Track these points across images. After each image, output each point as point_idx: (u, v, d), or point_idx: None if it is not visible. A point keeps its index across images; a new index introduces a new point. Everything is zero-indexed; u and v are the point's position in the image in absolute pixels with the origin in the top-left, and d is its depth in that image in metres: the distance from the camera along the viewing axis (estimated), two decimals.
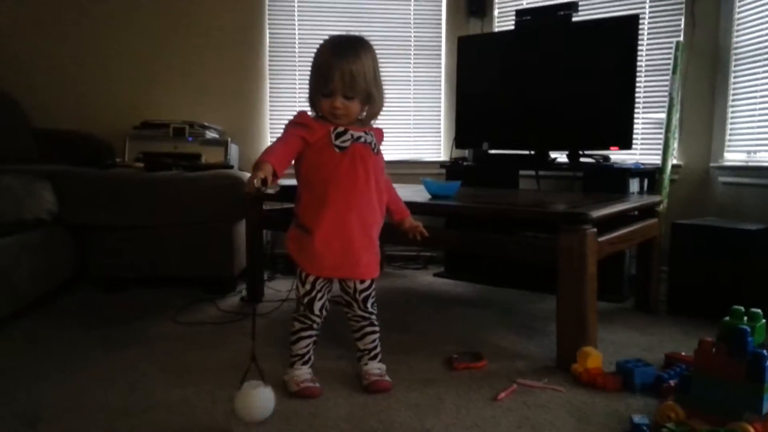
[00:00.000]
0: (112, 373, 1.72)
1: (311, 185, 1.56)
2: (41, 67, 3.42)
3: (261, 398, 1.37)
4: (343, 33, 1.62)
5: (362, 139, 1.58)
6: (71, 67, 3.44)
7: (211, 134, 3.22)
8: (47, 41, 3.42)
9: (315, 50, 1.59)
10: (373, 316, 1.65)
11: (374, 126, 1.67)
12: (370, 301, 1.64)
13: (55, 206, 2.43)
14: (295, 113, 1.59)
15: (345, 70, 1.50)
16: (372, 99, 1.58)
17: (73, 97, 3.44)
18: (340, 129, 1.56)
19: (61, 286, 2.52)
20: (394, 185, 1.80)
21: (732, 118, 2.99)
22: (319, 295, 1.61)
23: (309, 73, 1.60)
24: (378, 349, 1.66)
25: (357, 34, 1.62)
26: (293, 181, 1.70)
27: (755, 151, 2.83)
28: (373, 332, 1.65)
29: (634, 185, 2.72)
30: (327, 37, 1.60)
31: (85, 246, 2.62)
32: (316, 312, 1.62)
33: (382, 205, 1.64)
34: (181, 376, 1.70)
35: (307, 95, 1.62)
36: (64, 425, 1.41)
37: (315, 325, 1.63)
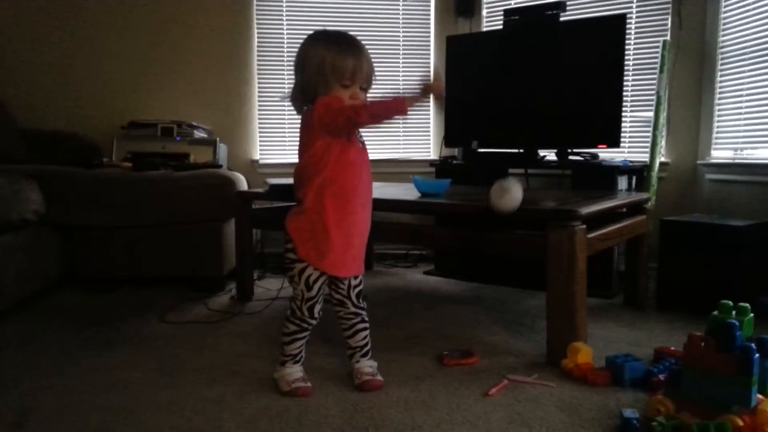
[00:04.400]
0: (100, 374, 1.71)
1: (339, 179, 1.52)
2: (28, 67, 3.38)
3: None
4: (328, 29, 1.59)
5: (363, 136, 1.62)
6: (58, 67, 3.41)
7: (199, 134, 3.20)
8: (34, 41, 3.38)
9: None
10: (364, 312, 1.65)
11: None
12: (361, 296, 1.65)
13: (41, 206, 2.41)
14: (318, 105, 1.51)
15: (371, 63, 1.54)
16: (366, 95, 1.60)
17: (60, 98, 3.41)
18: None
19: (48, 286, 2.50)
20: (384, 184, 1.81)
21: (718, 116, 3.02)
22: (320, 298, 1.61)
23: (305, 68, 1.54)
24: (369, 346, 1.66)
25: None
26: (286, 180, 1.69)
27: (742, 149, 2.86)
28: (365, 329, 1.65)
29: (622, 183, 2.74)
30: (320, 32, 1.58)
31: (72, 246, 2.60)
32: (315, 315, 1.61)
33: None
34: (171, 376, 1.69)
35: (301, 91, 1.56)
36: (51, 425, 1.39)
37: (311, 328, 1.63)
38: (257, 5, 3.52)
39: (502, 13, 3.12)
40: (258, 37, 3.56)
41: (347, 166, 1.53)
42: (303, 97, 1.57)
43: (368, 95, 1.59)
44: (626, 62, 2.86)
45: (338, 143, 1.52)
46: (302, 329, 1.61)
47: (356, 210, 1.55)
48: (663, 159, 3.13)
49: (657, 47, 3.05)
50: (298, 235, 1.56)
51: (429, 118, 3.71)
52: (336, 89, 1.51)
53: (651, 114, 3.00)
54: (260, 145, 3.60)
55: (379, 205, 2.16)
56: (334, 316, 1.68)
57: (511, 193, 1.72)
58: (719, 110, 3.01)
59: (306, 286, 1.57)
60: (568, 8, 2.97)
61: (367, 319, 1.66)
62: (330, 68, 1.50)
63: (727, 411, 1.27)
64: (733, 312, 1.39)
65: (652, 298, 2.48)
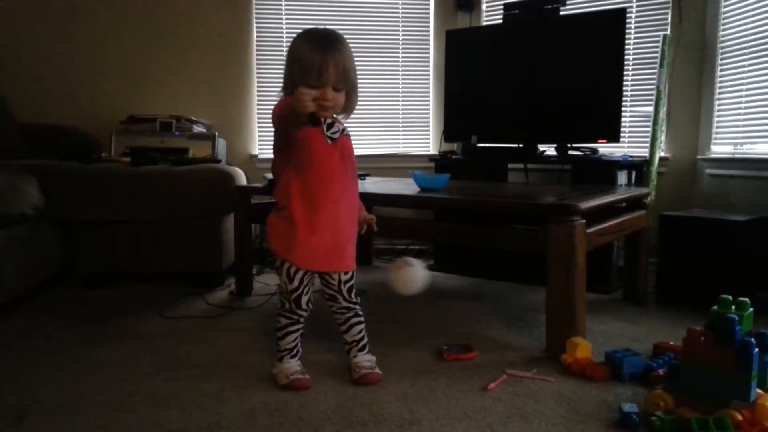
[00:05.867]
0: (100, 369, 1.71)
1: (304, 175, 1.54)
2: (27, 62, 3.37)
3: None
4: (317, 27, 1.59)
5: (346, 132, 1.61)
6: (57, 62, 3.41)
7: (198, 128, 3.19)
8: (34, 36, 3.37)
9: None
10: (357, 306, 1.65)
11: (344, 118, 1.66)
12: (353, 290, 1.64)
13: (40, 201, 2.40)
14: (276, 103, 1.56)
15: (339, 62, 1.50)
16: (354, 91, 1.58)
17: (59, 92, 3.40)
18: (329, 120, 1.56)
19: (47, 281, 2.50)
20: (384, 179, 1.79)
21: (718, 110, 3.01)
22: (306, 289, 1.61)
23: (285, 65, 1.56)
24: (365, 340, 1.66)
25: (331, 28, 1.60)
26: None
27: (741, 144, 2.85)
28: (359, 323, 1.65)
29: (622, 178, 2.73)
30: (305, 30, 1.57)
31: (71, 241, 2.60)
32: (303, 307, 1.62)
33: (357, 196, 1.67)
34: (170, 371, 1.69)
35: (284, 88, 1.57)
36: (51, 421, 1.39)
37: (302, 319, 1.63)
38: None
39: (502, 7, 3.11)
40: (257, 32, 3.55)
41: (313, 162, 1.53)
42: (284, 93, 1.57)
43: (360, 96, 1.59)
44: (626, 57, 2.85)
45: (304, 139, 1.52)
46: (293, 321, 1.62)
47: (326, 206, 1.54)
48: (663, 154, 3.12)
49: (657, 42, 3.04)
50: (272, 229, 1.60)
51: (428, 113, 3.70)
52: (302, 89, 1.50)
53: (651, 109, 2.99)
54: (259, 140, 3.60)
55: (378, 200, 2.16)
56: (328, 311, 1.67)
57: (412, 276, 1.64)
58: (719, 105, 3.01)
59: (288, 278, 1.59)
60: (568, 2, 2.97)
61: (361, 313, 1.66)
62: (298, 66, 1.50)
63: (726, 405, 1.27)
64: (733, 307, 1.39)
65: (652, 293, 2.48)
